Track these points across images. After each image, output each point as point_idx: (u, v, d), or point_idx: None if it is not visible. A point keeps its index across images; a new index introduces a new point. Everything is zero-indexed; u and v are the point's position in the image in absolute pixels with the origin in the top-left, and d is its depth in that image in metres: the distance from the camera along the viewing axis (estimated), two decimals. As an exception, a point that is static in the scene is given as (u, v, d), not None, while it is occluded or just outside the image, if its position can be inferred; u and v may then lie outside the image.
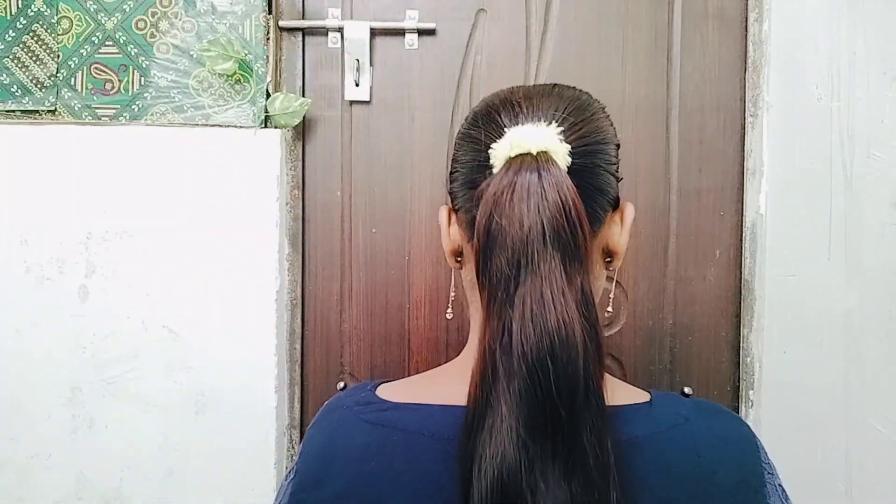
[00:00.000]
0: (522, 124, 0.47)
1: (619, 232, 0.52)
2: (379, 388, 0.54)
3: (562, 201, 0.43)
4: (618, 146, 0.51)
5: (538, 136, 0.45)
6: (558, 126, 0.47)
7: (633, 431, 0.47)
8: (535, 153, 0.45)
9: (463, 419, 0.44)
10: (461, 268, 0.56)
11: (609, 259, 0.53)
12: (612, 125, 0.51)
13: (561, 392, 0.41)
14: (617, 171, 0.51)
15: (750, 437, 0.51)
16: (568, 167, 0.46)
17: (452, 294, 0.61)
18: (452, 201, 0.54)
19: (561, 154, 0.46)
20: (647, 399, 0.51)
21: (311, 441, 0.52)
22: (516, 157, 0.45)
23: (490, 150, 0.47)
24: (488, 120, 0.49)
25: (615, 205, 0.52)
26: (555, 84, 0.52)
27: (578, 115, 0.48)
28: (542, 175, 0.44)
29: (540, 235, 0.43)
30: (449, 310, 0.62)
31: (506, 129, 0.47)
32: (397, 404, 0.51)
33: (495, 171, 0.47)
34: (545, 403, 0.41)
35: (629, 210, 0.53)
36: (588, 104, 0.50)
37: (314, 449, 0.51)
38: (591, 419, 0.42)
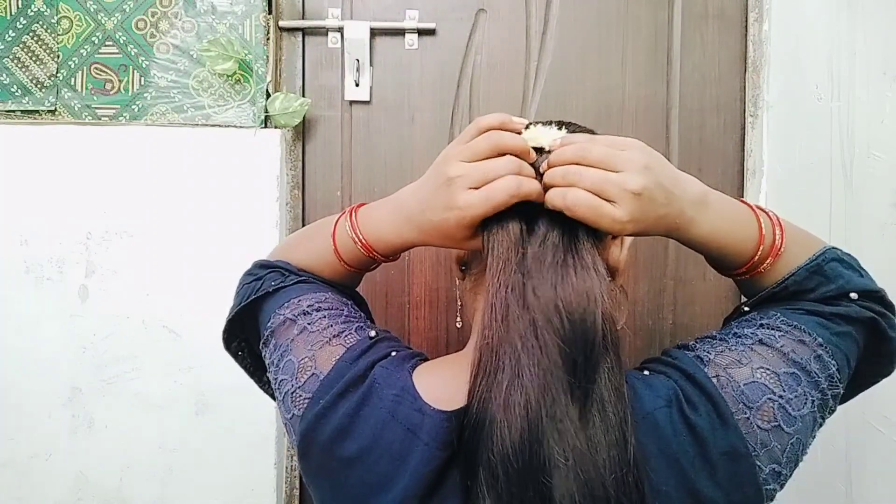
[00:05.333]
0: (536, 126, 0.51)
1: (618, 252, 0.55)
2: (416, 375, 0.51)
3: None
4: None
5: (552, 133, 0.50)
6: (569, 131, 0.51)
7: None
8: (547, 148, 0.49)
9: (472, 381, 0.45)
10: (464, 278, 0.58)
11: (610, 277, 0.54)
12: None
13: (578, 339, 0.43)
14: None
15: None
16: None
17: (460, 303, 0.62)
18: None
19: None
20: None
21: (341, 403, 0.50)
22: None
23: None
24: None
25: None
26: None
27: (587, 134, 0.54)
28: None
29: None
30: (458, 319, 0.63)
31: (521, 132, 0.51)
32: (432, 412, 0.48)
33: None
34: (564, 350, 0.43)
35: None
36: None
37: (345, 409, 0.49)
38: (607, 368, 0.44)
